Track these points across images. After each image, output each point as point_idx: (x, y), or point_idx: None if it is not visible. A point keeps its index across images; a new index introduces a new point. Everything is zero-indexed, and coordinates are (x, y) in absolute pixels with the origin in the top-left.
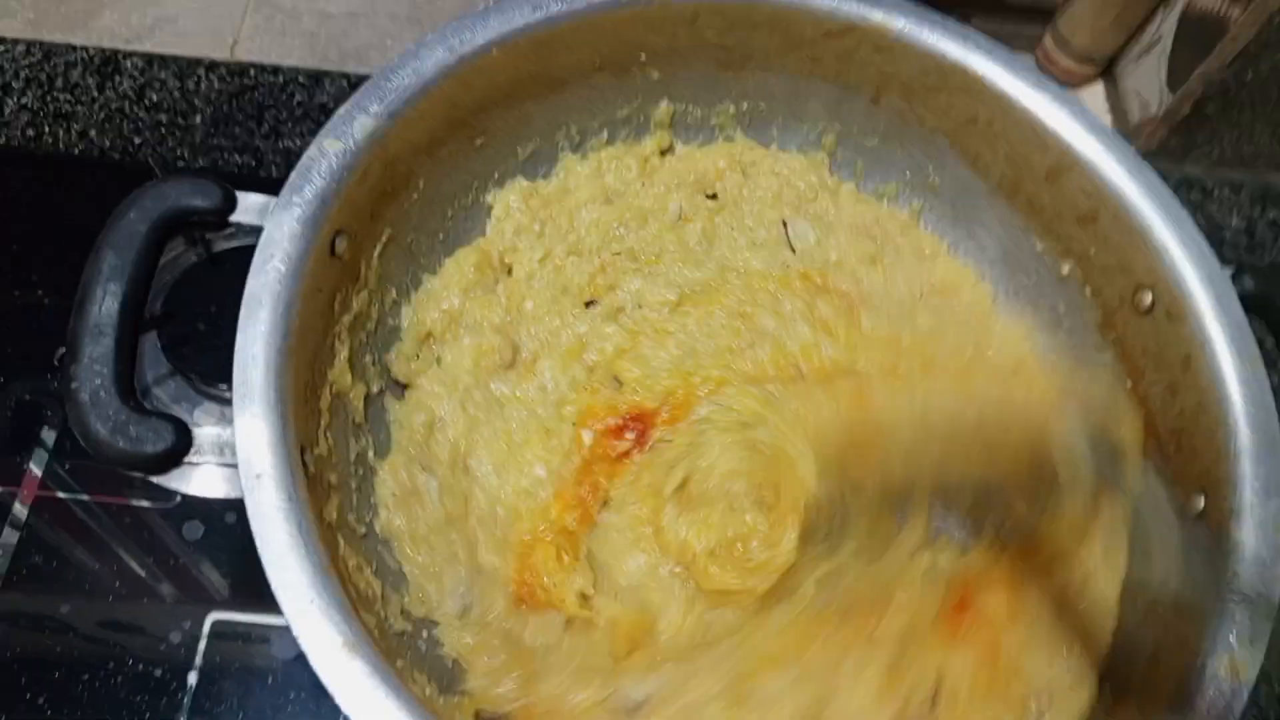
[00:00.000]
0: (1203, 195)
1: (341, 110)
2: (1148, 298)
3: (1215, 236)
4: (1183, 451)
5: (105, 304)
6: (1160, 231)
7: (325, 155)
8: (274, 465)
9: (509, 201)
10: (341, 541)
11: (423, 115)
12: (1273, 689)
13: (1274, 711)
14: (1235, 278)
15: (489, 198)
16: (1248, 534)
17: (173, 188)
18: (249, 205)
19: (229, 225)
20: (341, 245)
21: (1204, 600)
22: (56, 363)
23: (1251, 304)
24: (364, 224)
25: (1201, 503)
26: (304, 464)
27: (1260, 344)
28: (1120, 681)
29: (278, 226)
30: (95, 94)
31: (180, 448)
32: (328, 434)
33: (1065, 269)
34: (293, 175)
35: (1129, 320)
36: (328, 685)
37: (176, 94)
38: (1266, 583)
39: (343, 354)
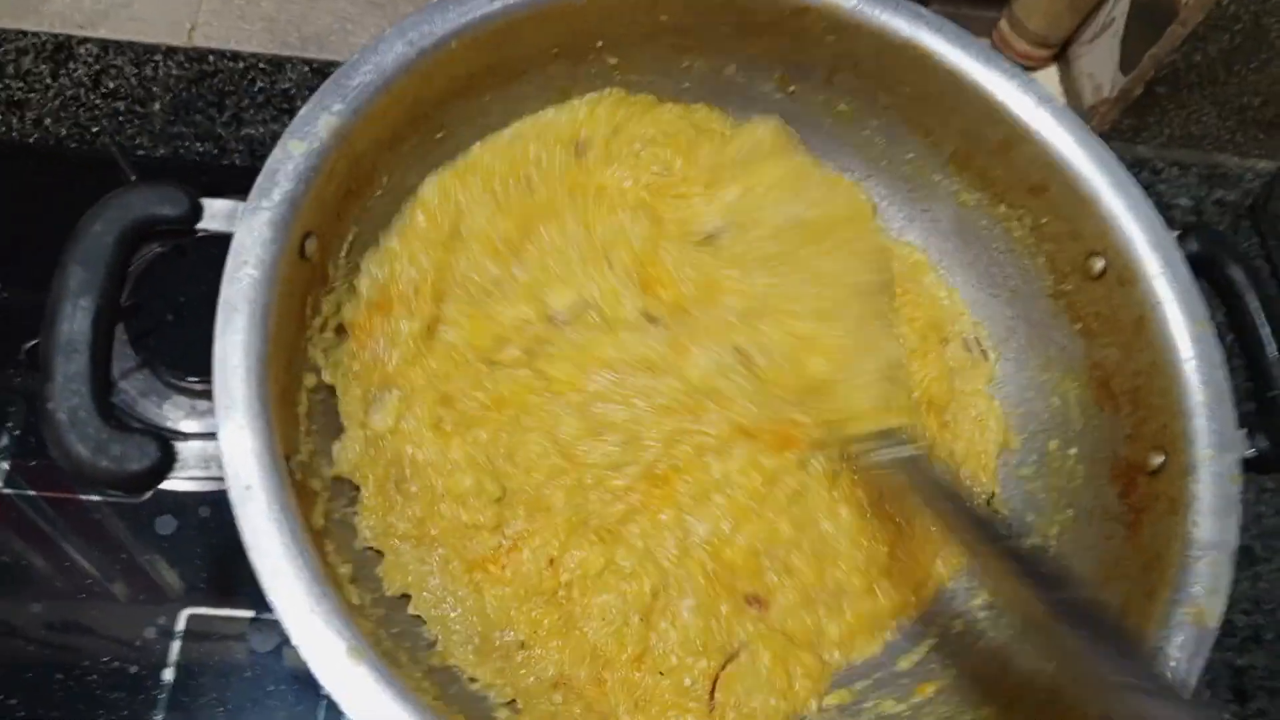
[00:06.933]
0: (1153, 175)
1: (304, 110)
2: (1099, 264)
3: (1164, 215)
4: (1139, 410)
5: (77, 320)
6: (1109, 199)
7: (291, 157)
8: (262, 476)
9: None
10: (330, 548)
11: (385, 111)
12: None
13: None
14: (1181, 240)
15: None
16: (1204, 488)
17: (139, 196)
18: (216, 211)
19: (196, 233)
20: (311, 247)
21: (1168, 553)
22: (23, 356)
23: (1197, 265)
24: (331, 224)
25: (1160, 460)
26: (290, 472)
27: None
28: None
29: (248, 232)
30: (49, 81)
31: (165, 464)
32: (308, 439)
33: (1017, 238)
34: (260, 178)
35: (1081, 286)
36: (334, 695)
37: (134, 81)
38: (1224, 533)
39: (317, 358)
